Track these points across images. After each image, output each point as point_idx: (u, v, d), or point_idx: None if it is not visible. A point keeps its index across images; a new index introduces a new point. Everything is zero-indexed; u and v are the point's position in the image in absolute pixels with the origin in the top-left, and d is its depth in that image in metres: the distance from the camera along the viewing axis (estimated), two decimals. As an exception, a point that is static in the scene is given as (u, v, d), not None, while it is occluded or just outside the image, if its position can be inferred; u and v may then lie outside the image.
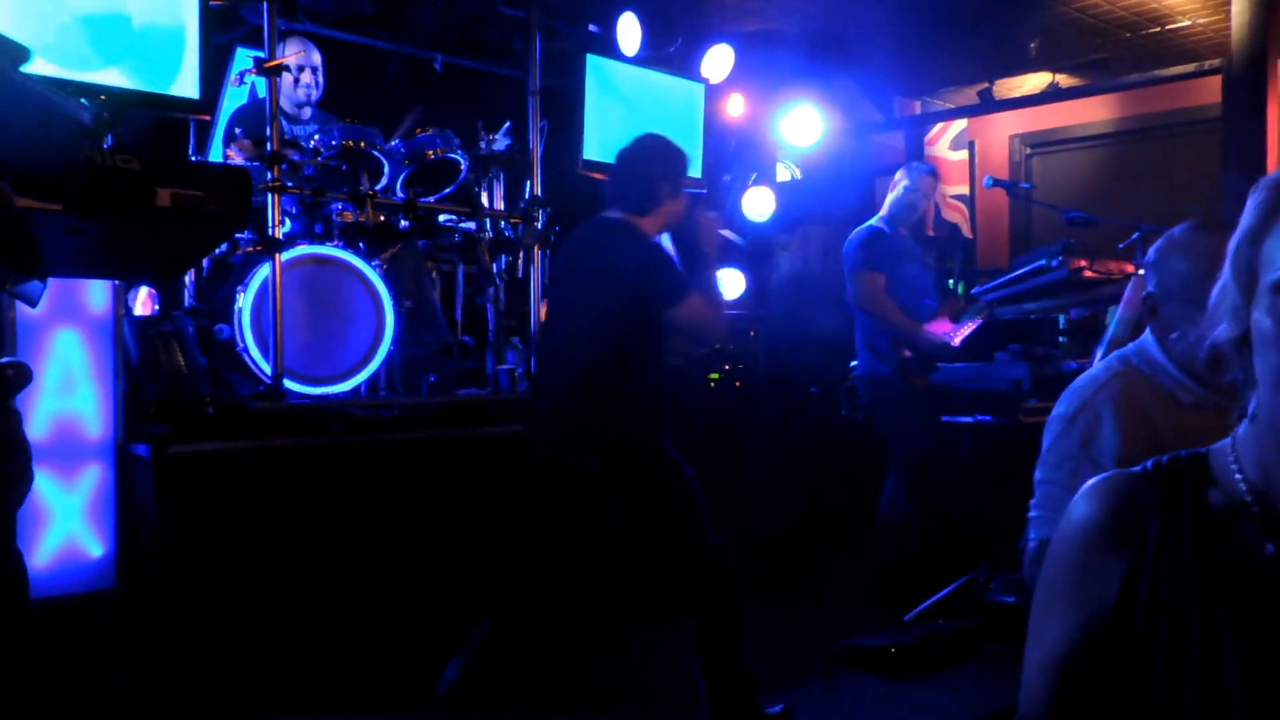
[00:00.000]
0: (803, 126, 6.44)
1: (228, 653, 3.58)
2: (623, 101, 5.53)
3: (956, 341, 4.89)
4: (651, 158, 3.61)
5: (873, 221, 5.18)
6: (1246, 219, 1.14)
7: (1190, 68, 6.73)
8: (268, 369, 4.08)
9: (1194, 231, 2.15)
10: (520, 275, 5.10)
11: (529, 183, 5.11)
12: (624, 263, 3.38)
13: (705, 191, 5.97)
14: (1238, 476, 1.16)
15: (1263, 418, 1.12)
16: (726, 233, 3.58)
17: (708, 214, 3.42)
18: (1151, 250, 2.21)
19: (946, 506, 4.96)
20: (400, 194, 4.79)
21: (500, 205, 5.17)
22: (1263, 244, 1.11)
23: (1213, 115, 6.51)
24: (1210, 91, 6.55)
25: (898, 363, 5.00)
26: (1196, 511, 1.17)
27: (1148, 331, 2.24)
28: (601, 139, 5.33)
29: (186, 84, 3.85)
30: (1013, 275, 4.57)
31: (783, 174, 7.03)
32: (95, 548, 3.58)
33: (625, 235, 3.49)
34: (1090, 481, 1.24)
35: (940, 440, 5.01)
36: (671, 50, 5.91)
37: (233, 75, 4.75)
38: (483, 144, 5.03)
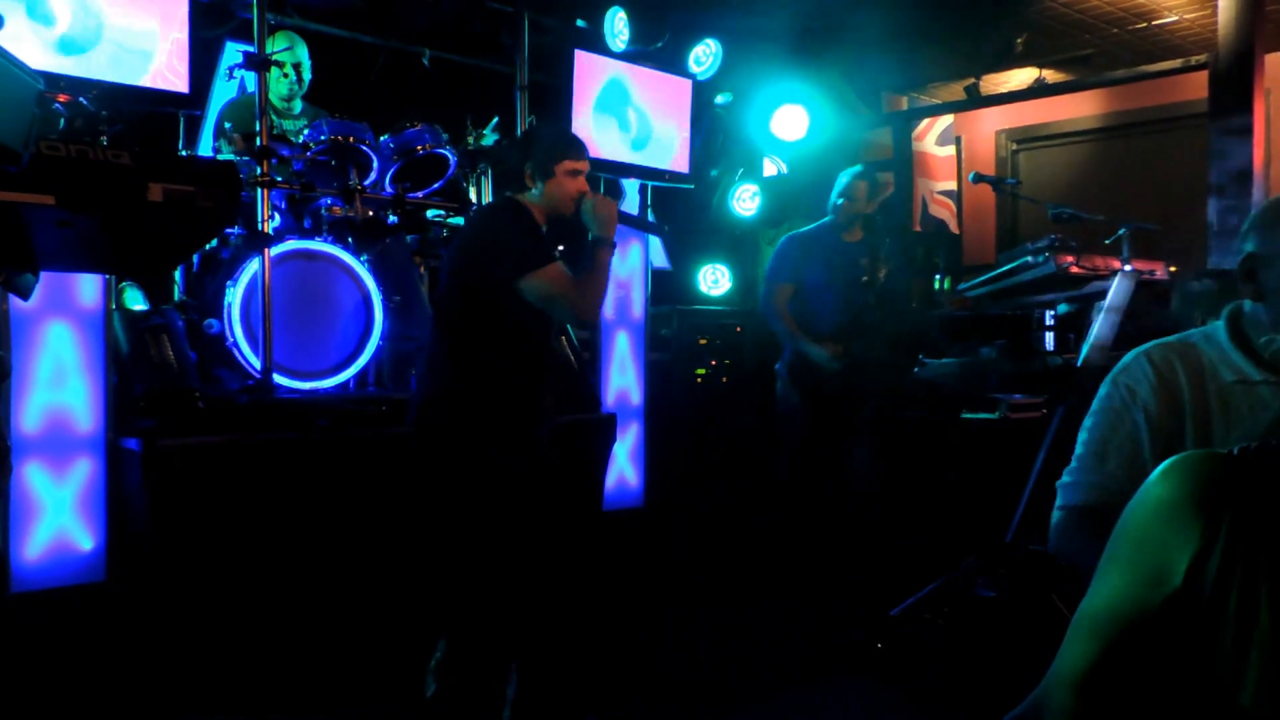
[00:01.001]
0: (790, 122, 6.47)
1: (216, 645, 3.60)
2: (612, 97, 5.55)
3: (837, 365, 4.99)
4: (523, 141, 3.73)
5: (806, 228, 5.27)
6: None
7: (1177, 63, 6.76)
8: (257, 363, 4.09)
9: None
10: (508, 271, 5.10)
11: (517, 178, 5.11)
12: (469, 238, 3.28)
13: (692, 185, 6.00)
14: None
15: None
16: (627, 214, 3.49)
17: (600, 196, 3.32)
18: (1259, 212, 2.03)
19: (808, 515, 5.11)
20: (389, 189, 4.79)
21: (489, 200, 5.18)
22: None
23: (1199, 111, 6.54)
24: (1196, 87, 6.57)
25: (785, 370, 5.17)
26: (1275, 500, 1.21)
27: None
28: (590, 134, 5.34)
29: (175, 78, 3.86)
30: (999, 271, 4.57)
31: (770, 169, 7.05)
32: (85, 541, 3.59)
33: (487, 213, 3.51)
34: (1174, 458, 1.28)
35: (815, 453, 5.13)
36: (660, 45, 5.92)
37: (223, 69, 4.75)
38: (471, 139, 5.04)
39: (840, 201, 5.15)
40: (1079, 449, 2.10)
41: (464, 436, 3.16)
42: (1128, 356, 2.09)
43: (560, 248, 3.80)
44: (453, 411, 3.16)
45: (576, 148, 3.35)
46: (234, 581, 3.70)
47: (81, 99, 3.60)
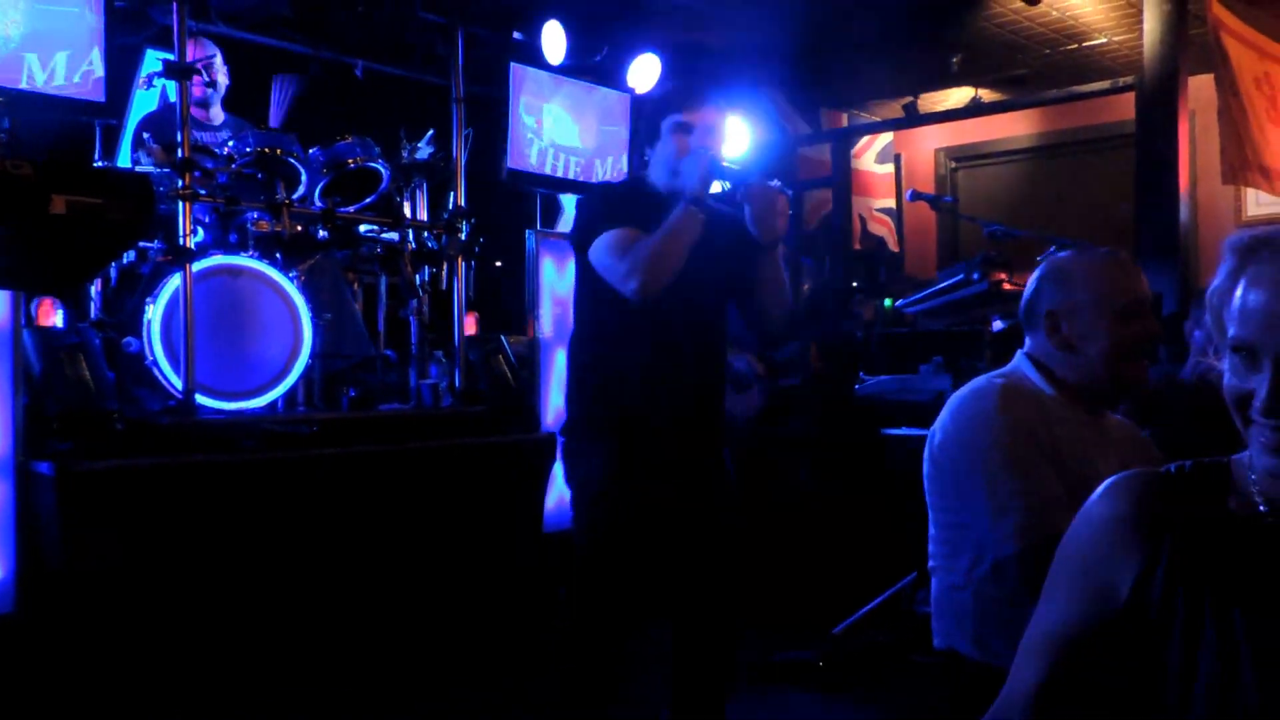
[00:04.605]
0: (730, 136, 6.43)
1: (134, 680, 3.45)
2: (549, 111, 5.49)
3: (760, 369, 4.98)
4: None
5: None
6: (1217, 279, 1.25)
7: (1106, 85, 6.90)
8: (178, 383, 3.95)
9: (1089, 256, 2.25)
10: (444, 287, 5.02)
11: (453, 193, 5.03)
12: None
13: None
14: (1255, 488, 1.22)
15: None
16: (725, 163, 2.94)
17: (700, 148, 2.82)
18: (1047, 266, 2.26)
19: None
20: (318, 203, 4.68)
21: (423, 215, 5.08)
22: (1228, 304, 1.22)
23: (1128, 131, 6.64)
24: (1126, 108, 6.68)
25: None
26: (1215, 519, 1.24)
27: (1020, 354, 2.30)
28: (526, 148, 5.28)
29: (91, 86, 3.73)
30: (935, 289, 4.58)
31: (712, 184, 7.01)
32: (-7, 570, 3.43)
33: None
34: (1113, 478, 1.30)
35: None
36: (598, 59, 5.87)
37: (141, 78, 4.62)
38: (405, 153, 4.94)
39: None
40: (1014, 490, 2.10)
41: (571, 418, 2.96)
42: (978, 389, 2.22)
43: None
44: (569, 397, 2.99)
45: (687, 97, 2.94)
46: (154, 612, 3.55)
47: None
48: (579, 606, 2.92)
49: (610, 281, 2.75)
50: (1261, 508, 1.21)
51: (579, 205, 3.00)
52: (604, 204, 2.92)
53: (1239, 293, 1.20)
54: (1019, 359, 2.29)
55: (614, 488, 2.84)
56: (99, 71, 3.71)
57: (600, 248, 2.76)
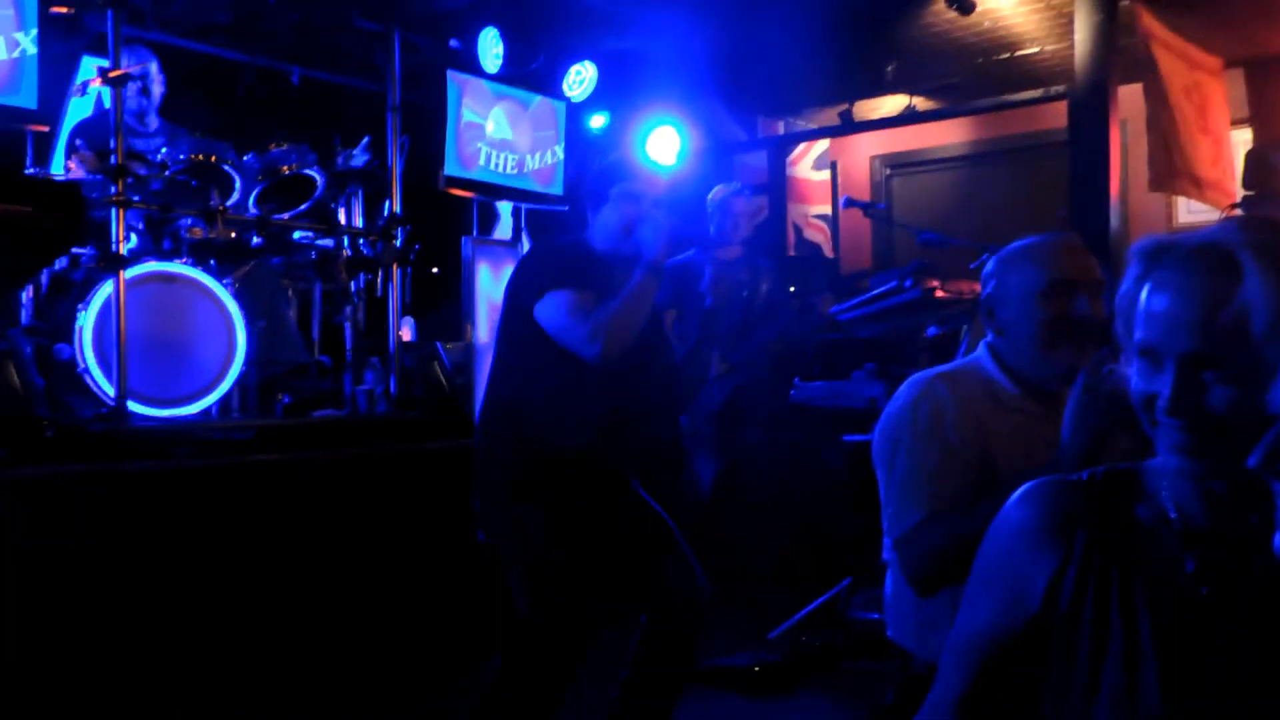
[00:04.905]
0: (665, 145, 6.48)
1: (68, 692, 3.42)
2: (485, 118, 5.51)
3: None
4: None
5: (681, 256, 5.26)
6: (1124, 284, 1.27)
7: (1038, 93, 6.98)
8: (111, 390, 3.93)
9: (1030, 240, 2.20)
10: (379, 294, 5.03)
11: (389, 200, 5.03)
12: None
13: (566, 208, 5.98)
14: (1164, 494, 1.26)
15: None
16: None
17: (658, 210, 2.91)
18: (998, 256, 2.23)
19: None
20: (253, 210, 4.67)
21: (359, 222, 5.08)
22: (1134, 307, 1.24)
23: (1060, 139, 6.73)
24: (1058, 116, 6.77)
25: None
26: (1125, 523, 1.26)
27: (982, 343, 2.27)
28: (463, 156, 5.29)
29: (24, 92, 3.70)
30: (868, 295, 4.64)
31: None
32: (-82, 581, 3.39)
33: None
34: (1028, 485, 1.33)
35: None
36: (534, 67, 5.90)
37: (75, 85, 4.59)
38: (340, 159, 4.94)
39: (728, 221, 5.20)
40: (911, 485, 2.14)
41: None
42: (916, 383, 2.21)
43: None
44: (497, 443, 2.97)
45: (634, 167, 3.05)
46: (88, 623, 3.53)
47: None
48: (535, 622, 2.95)
49: (565, 342, 2.79)
50: (1171, 514, 1.24)
51: (524, 262, 3.05)
52: (555, 263, 2.91)
53: (1144, 297, 1.22)
54: (980, 348, 2.26)
55: (563, 556, 2.86)
56: (32, 78, 3.68)
57: (554, 309, 2.78)
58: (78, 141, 4.51)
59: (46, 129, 4.33)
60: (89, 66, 4.84)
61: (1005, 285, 2.16)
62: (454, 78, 5.35)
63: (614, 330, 2.73)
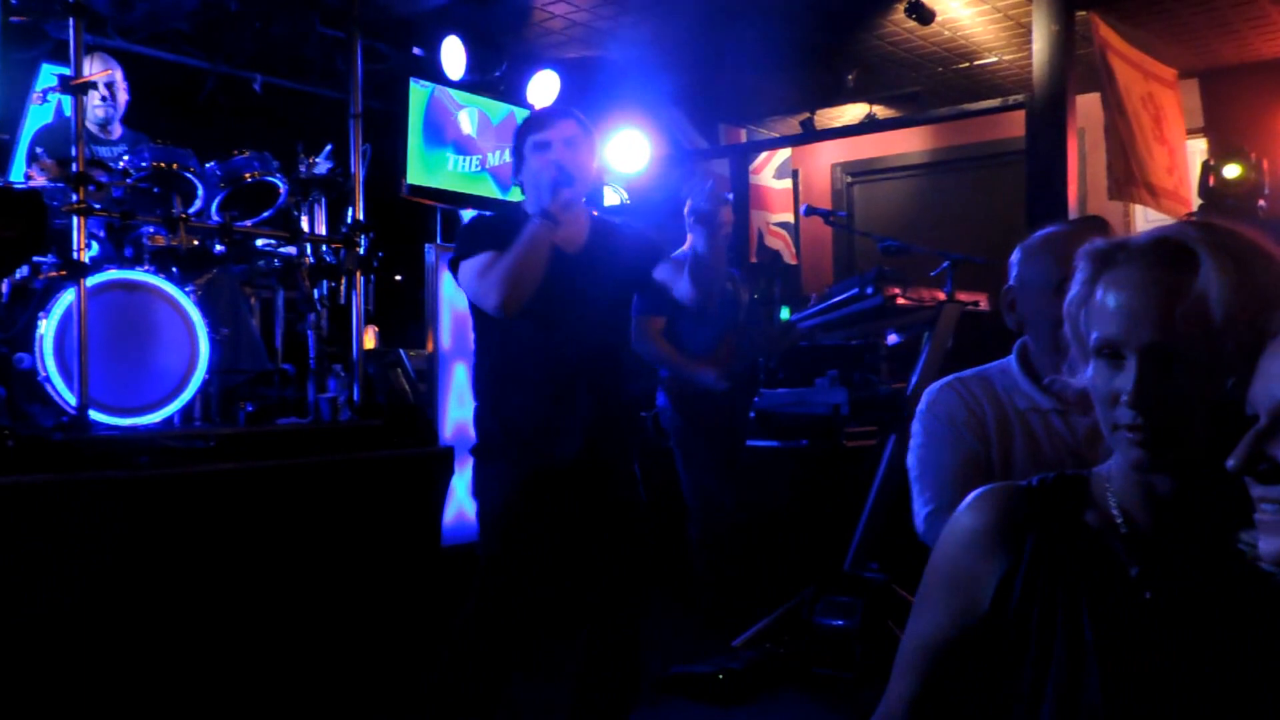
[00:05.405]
0: (629, 152, 6.51)
1: (27, 704, 3.40)
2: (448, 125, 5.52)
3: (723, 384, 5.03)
4: None
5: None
6: (1074, 288, 1.27)
7: (996, 102, 7.07)
8: (72, 399, 3.90)
9: (1054, 227, 2.15)
10: (342, 301, 5.00)
11: (351, 207, 5.03)
12: None
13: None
14: (1111, 500, 1.27)
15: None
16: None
17: (547, 157, 2.92)
18: (1020, 247, 2.18)
19: (726, 539, 5.12)
20: (216, 217, 4.65)
21: (322, 230, 5.07)
22: (1085, 309, 1.25)
23: (1018, 148, 6.81)
24: (1016, 125, 6.85)
25: (669, 399, 5.15)
26: (1072, 529, 1.27)
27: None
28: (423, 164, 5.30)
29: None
30: (829, 303, 4.67)
31: (611, 198, 7.08)
32: (-124, 591, 3.36)
33: None
34: (977, 490, 1.34)
35: (718, 473, 5.15)
36: (497, 75, 5.91)
37: (35, 92, 4.56)
38: (303, 167, 4.93)
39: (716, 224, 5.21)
40: (922, 480, 2.17)
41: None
42: (933, 390, 2.22)
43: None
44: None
45: (542, 116, 3.05)
46: (48, 633, 3.50)
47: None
48: (476, 616, 3.02)
49: (476, 303, 2.92)
50: (1118, 519, 1.25)
51: (455, 238, 3.11)
52: (470, 233, 3.03)
53: (1099, 296, 1.22)
54: (1015, 347, 2.18)
55: (513, 510, 2.96)
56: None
57: (464, 274, 2.90)
58: (38, 149, 4.48)
59: (6, 137, 4.30)
60: (49, 74, 4.81)
61: (1024, 278, 2.11)
62: (416, 85, 5.36)
63: (507, 280, 2.79)
